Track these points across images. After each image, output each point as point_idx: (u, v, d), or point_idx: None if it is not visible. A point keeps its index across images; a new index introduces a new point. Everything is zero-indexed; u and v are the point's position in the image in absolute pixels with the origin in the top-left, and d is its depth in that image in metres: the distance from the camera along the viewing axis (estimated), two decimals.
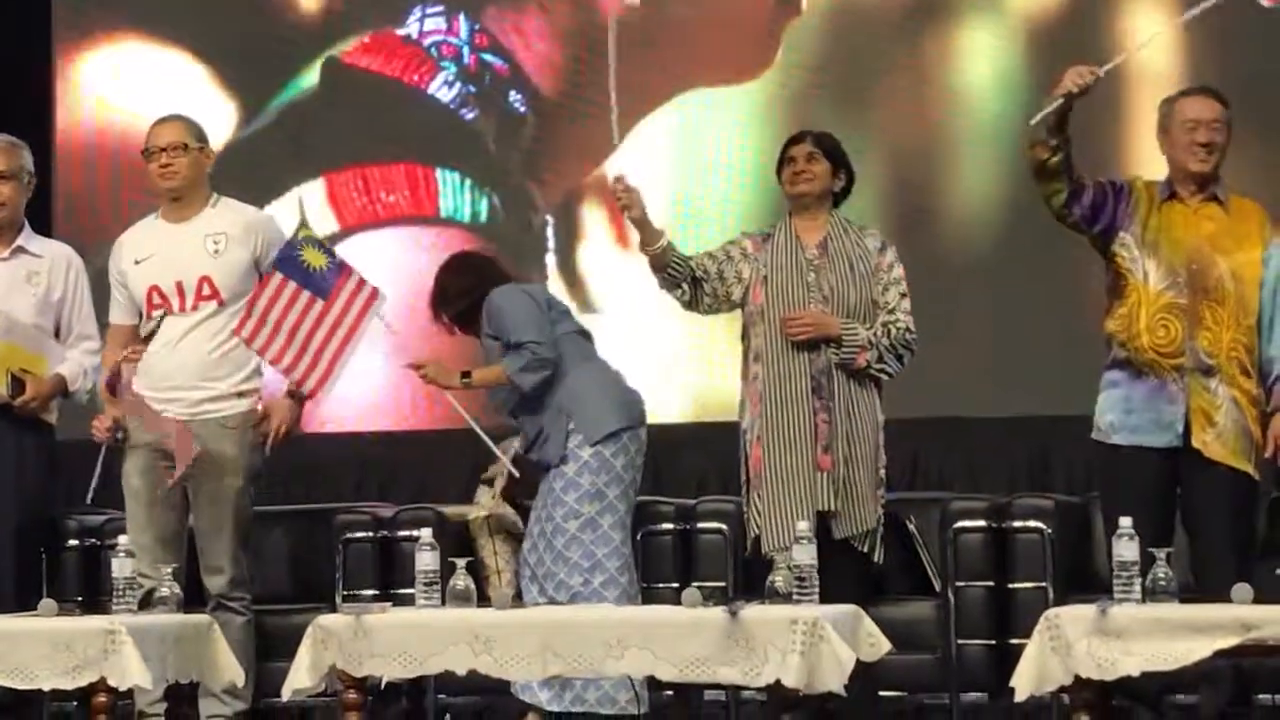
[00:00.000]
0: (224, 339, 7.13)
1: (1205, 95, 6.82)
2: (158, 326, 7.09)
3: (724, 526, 7.38)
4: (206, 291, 7.12)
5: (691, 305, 7.10)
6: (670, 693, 6.86)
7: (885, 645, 6.27)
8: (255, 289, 6.99)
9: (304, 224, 7.15)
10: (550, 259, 10.29)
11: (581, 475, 7.03)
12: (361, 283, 7.03)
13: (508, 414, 7.28)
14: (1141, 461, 6.53)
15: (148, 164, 7.26)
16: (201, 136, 7.39)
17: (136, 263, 7.20)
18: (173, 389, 7.06)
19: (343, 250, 7.88)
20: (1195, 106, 6.66)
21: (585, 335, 7.41)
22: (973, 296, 9.33)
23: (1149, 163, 6.97)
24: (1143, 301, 6.53)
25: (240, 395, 7.14)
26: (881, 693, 6.89)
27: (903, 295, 7.02)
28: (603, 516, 7.02)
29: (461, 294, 7.30)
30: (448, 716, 7.25)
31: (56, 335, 7.23)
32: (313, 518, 7.89)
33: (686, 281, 7.00)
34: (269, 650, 7.12)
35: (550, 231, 10.39)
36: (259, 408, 7.20)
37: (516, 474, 7.30)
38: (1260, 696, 6.75)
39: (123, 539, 6.75)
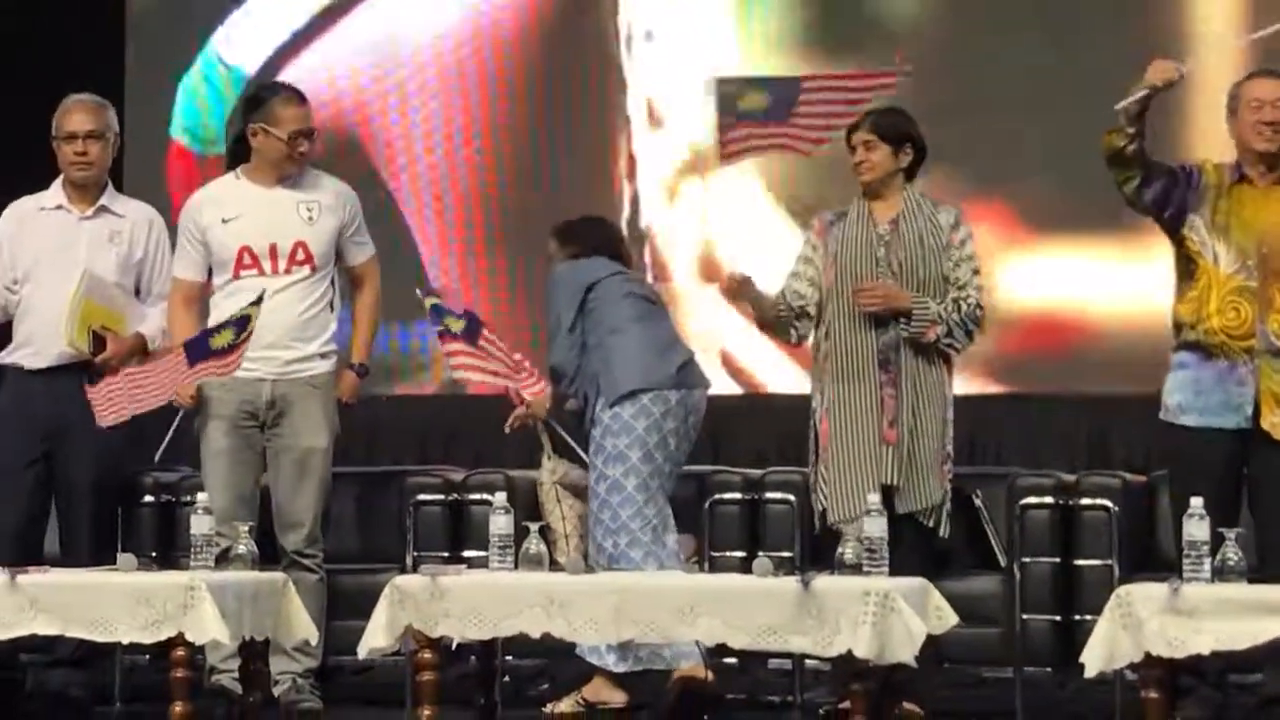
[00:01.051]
0: (311, 303, 7.18)
1: (1271, 76, 6.82)
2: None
3: (791, 497, 7.38)
4: (300, 256, 7.17)
5: (802, 340, 7.10)
6: (734, 660, 6.89)
7: (952, 618, 6.26)
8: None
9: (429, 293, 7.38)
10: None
11: (605, 438, 7.03)
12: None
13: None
14: (1210, 442, 6.52)
15: (270, 139, 7.25)
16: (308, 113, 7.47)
17: (224, 221, 7.21)
18: (266, 348, 7.07)
19: None
20: (1261, 87, 6.66)
21: (646, 297, 7.38)
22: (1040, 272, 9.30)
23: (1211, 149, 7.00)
24: (1213, 284, 6.52)
25: (323, 356, 7.18)
26: (946, 665, 6.89)
27: (975, 271, 6.99)
28: (627, 479, 6.98)
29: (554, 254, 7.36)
30: (506, 678, 7.21)
31: (137, 294, 7.24)
32: (383, 480, 7.92)
33: (793, 322, 7.01)
34: (337, 609, 7.14)
35: (626, 199, 10.31)
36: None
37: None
38: None
39: (200, 496, 6.78)
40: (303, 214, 7.24)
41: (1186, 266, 6.60)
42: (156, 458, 7.45)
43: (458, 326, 7.13)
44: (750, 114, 7.59)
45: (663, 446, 6.96)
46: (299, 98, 7.45)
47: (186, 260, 7.26)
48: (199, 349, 6.79)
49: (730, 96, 7.74)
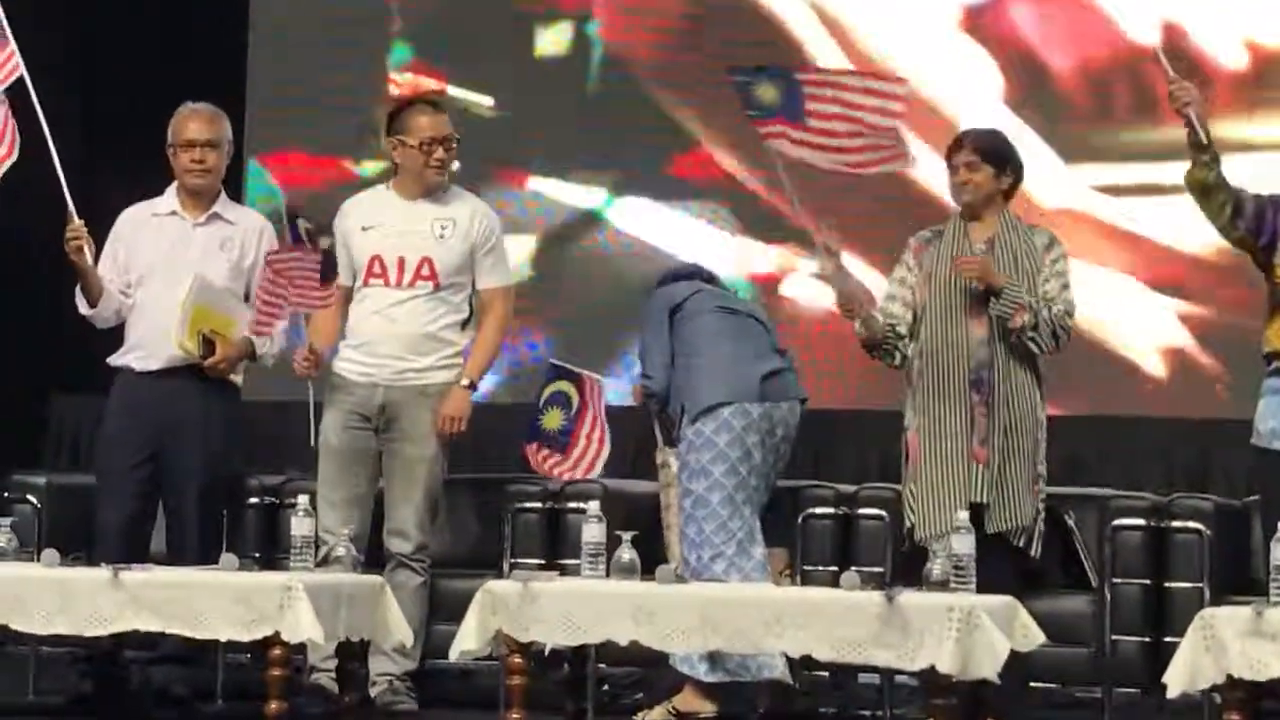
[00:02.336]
0: (433, 319, 7.24)
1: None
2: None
3: (884, 513, 7.34)
4: (425, 272, 7.21)
5: (905, 361, 7.04)
6: (825, 674, 6.88)
7: (1039, 637, 6.25)
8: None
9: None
10: None
11: (689, 453, 7.02)
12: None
13: None
14: None
15: (410, 150, 7.33)
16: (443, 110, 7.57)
17: (364, 229, 7.30)
18: (375, 354, 7.19)
19: None
20: None
21: (734, 310, 7.33)
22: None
23: None
24: None
25: (443, 369, 7.23)
26: (1033, 684, 6.85)
27: (1064, 286, 6.93)
28: (711, 493, 6.95)
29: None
30: (605, 685, 7.22)
31: (246, 299, 7.25)
32: (483, 487, 7.93)
33: (896, 345, 6.98)
34: (436, 612, 7.17)
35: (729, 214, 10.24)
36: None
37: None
38: None
39: (302, 499, 6.82)
40: (435, 230, 7.30)
41: (1278, 296, 6.55)
42: (311, 442, 7.46)
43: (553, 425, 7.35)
44: (768, 109, 7.40)
45: (747, 460, 6.93)
46: (432, 106, 7.52)
47: (342, 265, 7.35)
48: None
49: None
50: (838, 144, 7.03)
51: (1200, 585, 6.97)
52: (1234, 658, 5.75)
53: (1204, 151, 6.42)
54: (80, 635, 6.64)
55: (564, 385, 7.28)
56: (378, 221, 7.30)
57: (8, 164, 7.24)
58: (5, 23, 7.29)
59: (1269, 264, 6.52)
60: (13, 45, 7.29)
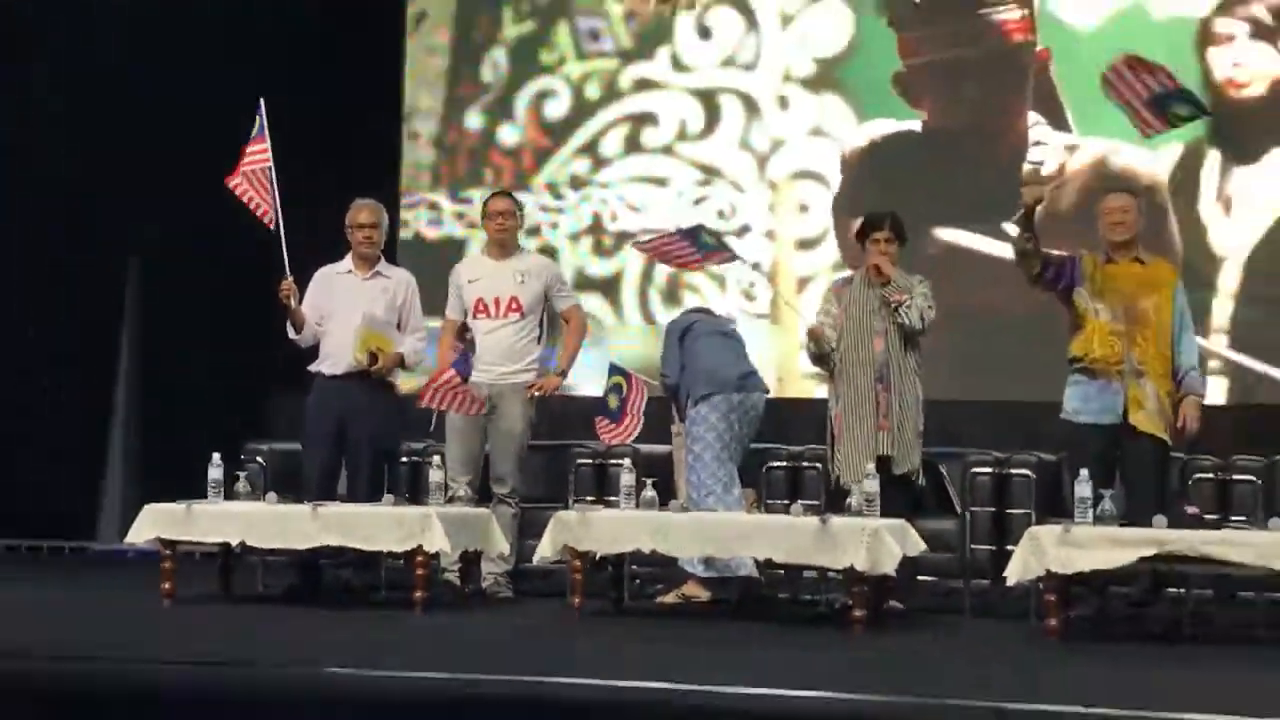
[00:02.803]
0: (520, 337, 7.18)
1: (1118, 192, 6.76)
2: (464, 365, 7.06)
3: (819, 466, 7.19)
4: (513, 307, 7.16)
5: (834, 367, 6.85)
6: (781, 571, 6.85)
7: (921, 545, 6.27)
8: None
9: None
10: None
11: (692, 426, 6.91)
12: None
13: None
14: (1094, 432, 6.40)
15: (488, 223, 7.34)
16: (521, 210, 7.48)
17: (470, 282, 7.26)
18: (486, 365, 7.10)
19: None
20: (1112, 201, 6.59)
21: (723, 334, 7.19)
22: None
23: None
24: (1096, 330, 6.42)
25: (527, 371, 7.16)
26: (919, 577, 6.77)
27: (929, 303, 6.69)
28: (705, 453, 6.82)
29: None
30: (638, 581, 7.14)
31: (399, 328, 7.20)
32: (555, 450, 7.78)
33: (830, 356, 6.79)
34: (524, 533, 7.07)
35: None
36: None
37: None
38: (1169, 590, 6.54)
39: (435, 459, 6.94)
40: (515, 279, 7.22)
41: (1076, 319, 6.51)
42: (431, 428, 7.35)
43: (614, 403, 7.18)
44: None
45: (730, 430, 6.87)
46: (498, 194, 7.53)
47: (453, 306, 7.29)
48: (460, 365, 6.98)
49: None
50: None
51: (1029, 511, 6.84)
52: (1050, 559, 5.82)
53: (1028, 231, 6.40)
54: (292, 549, 6.69)
55: (619, 379, 7.20)
56: (478, 276, 7.26)
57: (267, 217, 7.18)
58: (264, 120, 7.21)
59: (1069, 300, 6.52)
60: (267, 142, 7.20)
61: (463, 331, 7.31)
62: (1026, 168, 6.75)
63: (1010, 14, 8.76)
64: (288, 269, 7.09)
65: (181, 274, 9.54)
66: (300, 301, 7.16)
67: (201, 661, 4.70)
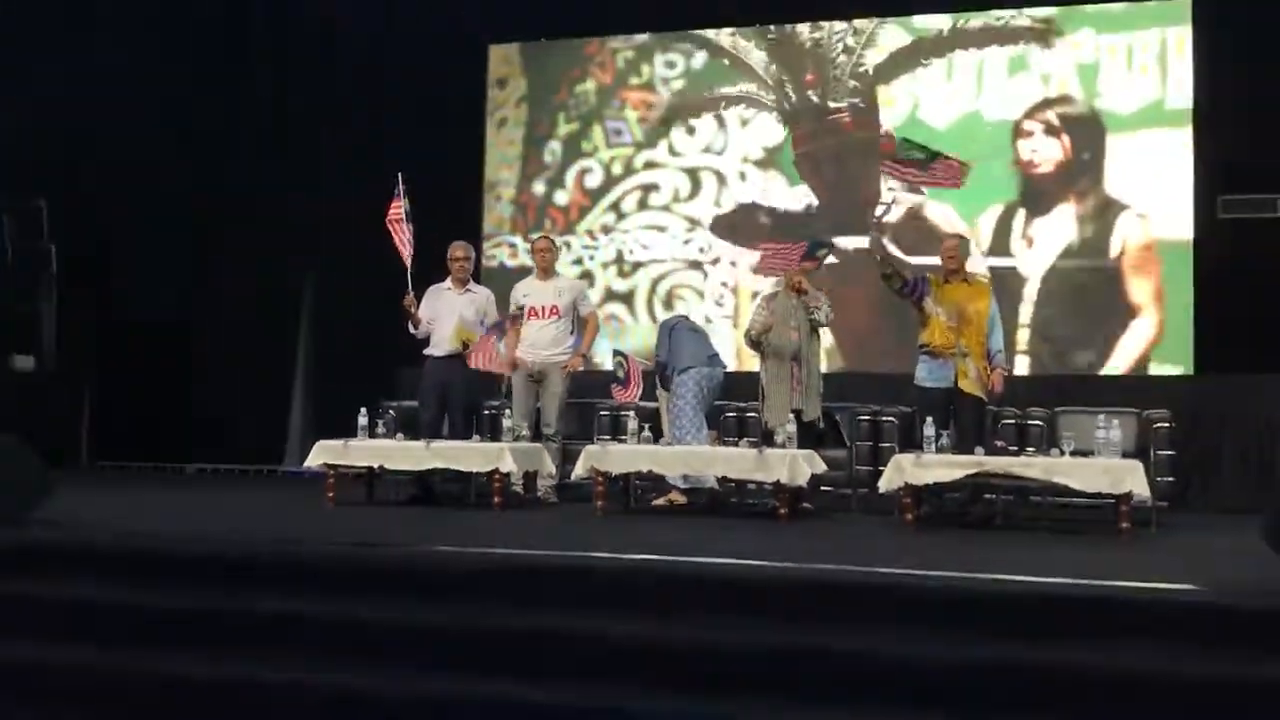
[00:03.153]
0: (559, 331, 7.11)
1: (951, 236, 6.77)
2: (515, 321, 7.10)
3: (756, 414, 7.04)
4: (554, 311, 7.11)
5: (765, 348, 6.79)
6: (733, 484, 6.83)
7: (823, 467, 6.27)
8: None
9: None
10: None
11: (676, 389, 6.82)
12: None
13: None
14: (936, 393, 6.40)
15: (535, 256, 7.29)
16: (556, 246, 7.36)
17: (525, 295, 7.21)
18: (534, 348, 7.05)
19: None
20: (948, 242, 6.61)
21: (695, 330, 7.14)
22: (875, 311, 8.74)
23: None
24: (937, 326, 6.42)
25: (564, 354, 7.07)
26: (821, 487, 6.79)
27: (830, 309, 6.74)
28: (685, 406, 6.79)
29: None
30: (639, 490, 6.95)
31: (481, 325, 7.11)
32: (584, 405, 7.75)
33: (760, 341, 6.76)
34: (566, 460, 6.95)
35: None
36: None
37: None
38: (987, 495, 6.48)
39: (507, 412, 6.90)
40: (555, 293, 7.16)
41: (924, 318, 6.47)
42: (503, 391, 7.26)
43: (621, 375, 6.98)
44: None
45: (700, 393, 6.84)
46: (541, 237, 7.44)
47: (513, 310, 7.22)
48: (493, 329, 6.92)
49: None
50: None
51: (894, 445, 6.92)
52: (908, 475, 5.81)
53: (889, 271, 6.41)
54: (412, 470, 6.66)
55: (620, 359, 7.03)
56: (529, 292, 7.18)
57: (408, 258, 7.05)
58: (402, 187, 7.04)
59: (919, 305, 6.48)
60: (403, 201, 7.02)
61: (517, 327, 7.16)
62: (873, 235, 6.66)
63: (846, 116, 8.80)
64: (410, 286, 7.06)
65: (343, 287, 9.57)
66: (418, 308, 7.11)
67: (357, 543, 4.69)
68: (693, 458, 6.34)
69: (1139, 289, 8.30)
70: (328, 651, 3.76)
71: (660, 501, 6.89)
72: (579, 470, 6.40)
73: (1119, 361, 8.28)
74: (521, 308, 7.22)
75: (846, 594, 3.78)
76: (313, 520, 5.92)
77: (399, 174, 7.16)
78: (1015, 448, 6.21)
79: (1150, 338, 8.26)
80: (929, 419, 6.07)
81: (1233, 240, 8.13)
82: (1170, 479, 6.60)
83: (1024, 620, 3.60)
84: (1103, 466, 5.62)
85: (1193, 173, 8.23)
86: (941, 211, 8.56)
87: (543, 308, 7.14)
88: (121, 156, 9.85)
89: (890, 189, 7.17)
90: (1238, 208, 8.20)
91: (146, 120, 10.01)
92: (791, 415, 6.44)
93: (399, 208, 7.13)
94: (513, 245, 9.67)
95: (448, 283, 7.24)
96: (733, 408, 7.53)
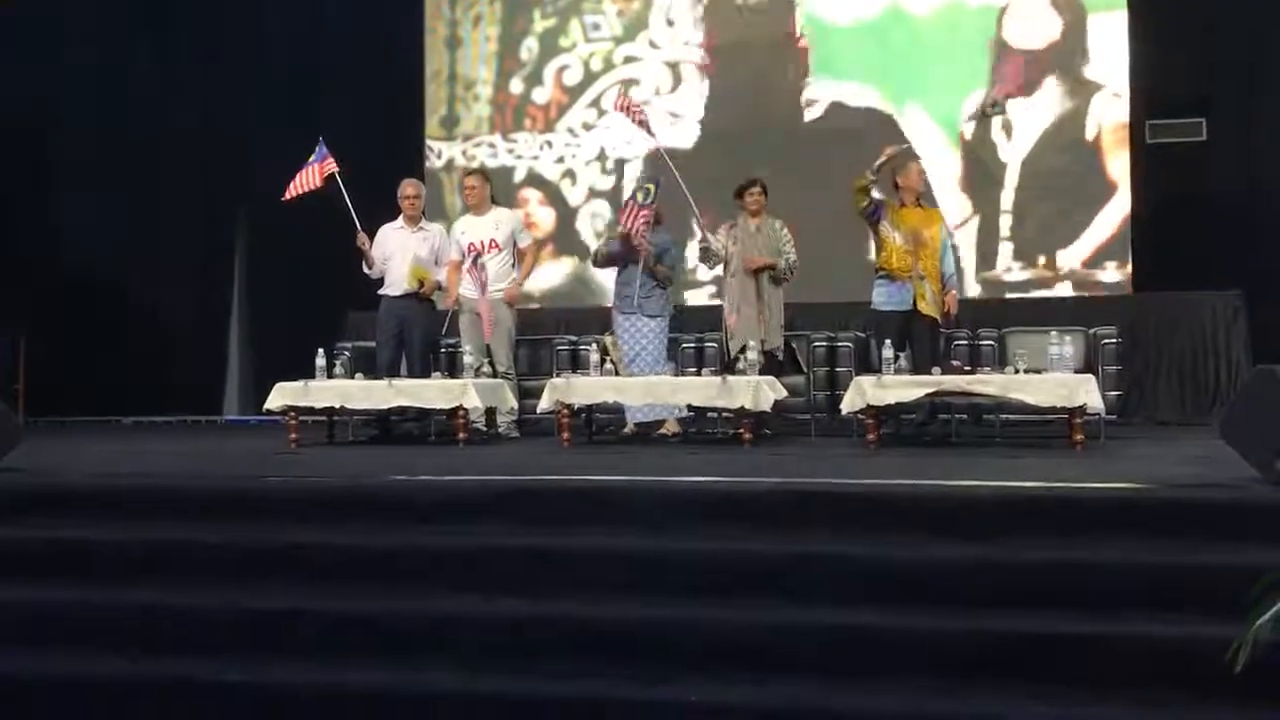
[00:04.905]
0: (501, 263, 7.12)
1: (916, 160, 6.92)
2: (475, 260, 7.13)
3: (716, 344, 7.31)
4: (491, 245, 7.14)
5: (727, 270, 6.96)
6: (693, 414, 7.04)
7: (784, 393, 6.42)
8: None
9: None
10: None
11: (649, 328, 6.98)
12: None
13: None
14: (894, 316, 6.57)
15: (465, 192, 7.31)
16: (487, 178, 7.34)
17: (462, 233, 7.23)
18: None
19: None
20: (914, 166, 6.78)
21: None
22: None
23: None
24: (894, 250, 6.60)
25: (504, 288, 7.14)
26: (784, 413, 6.94)
27: (792, 249, 6.96)
28: (656, 348, 6.97)
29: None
30: (593, 426, 7.01)
31: (436, 264, 7.21)
32: (543, 340, 7.89)
33: (726, 261, 6.92)
34: (526, 396, 7.11)
35: None
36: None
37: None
38: (941, 416, 6.84)
39: (465, 348, 6.96)
40: (490, 227, 7.18)
41: (881, 241, 6.63)
42: (444, 331, 7.37)
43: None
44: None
45: (664, 339, 7.05)
46: (470, 172, 7.43)
47: (455, 249, 7.24)
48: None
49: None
50: None
51: (851, 369, 7.05)
52: (868, 395, 5.95)
53: (876, 175, 6.49)
54: (374, 409, 6.75)
55: (652, 186, 6.85)
56: (466, 229, 7.21)
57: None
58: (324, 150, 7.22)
59: (876, 228, 6.63)
60: (331, 161, 7.21)
61: (459, 267, 7.18)
62: (908, 145, 6.78)
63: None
64: (358, 226, 7.12)
65: (281, 229, 9.51)
66: (370, 247, 7.17)
67: (325, 477, 4.77)
68: (658, 387, 6.47)
69: (1114, 169, 8.54)
70: (331, 579, 3.93)
71: (625, 433, 7.04)
72: (544, 404, 6.48)
73: (1084, 249, 8.56)
74: (461, 247, 7.21)
75: (828, 504, 4.00)
76: (281, 460, 5.93)
77: (319, 138, 7.20)
78: (970, 368, 6.46)
79: (1118, 224, 8.50)
80: (887, 341, 6.26)
81: (1163, 163, 8.47)
82: (1116, 393, 6.96)
83: (991, 523, 3.85)
84: (1058, 381, 5.88)
85: (1128, 97, 8.57)
86: (918, 120, 8.71)
87: (481, 243, 7.13)
88: (49, 110, 9.77)
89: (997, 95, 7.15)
90: (1164, 132, 8.58)
91: (74, 67, 9.92)
92: (754, 345, 6.57)
93: (331, 164, 7.15)
94: (492, 145, 9.65)
95: (399, 221, 7.28)
96: (687, 339, 7.68)
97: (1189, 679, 3.18)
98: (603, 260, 7.17)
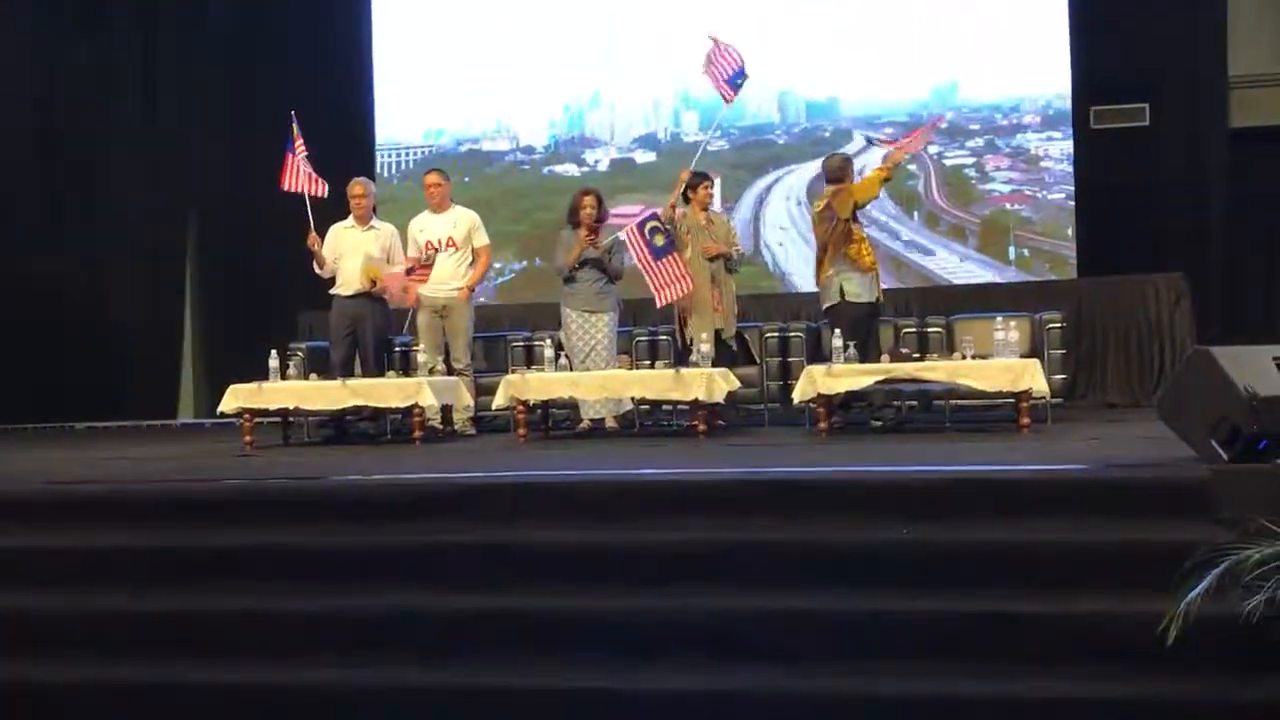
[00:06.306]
0: (457, 263, 7.12)
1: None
2: (431, 259, 7.15)
3: (669, 338, 7.41)
4: (449, 243, 7.16)
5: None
6: (646, 406, 7.12)
7: (737, 384, 6.52)
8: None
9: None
10: None
11: (607, 324, 7.01)
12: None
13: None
14: (863, 308, 6.61)
15: (424, 189, 7.30)
16: (447, 177, 7.33)
17: (420, 230, 7.23)
18: (435, 282, 7.10)
19: None
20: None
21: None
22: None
23: None
24: (864, 243, 6.62)
25: (461, 288, 7.16)
26: (738, 405, 7.09)
27: (739, 246, 7.10)
28: (612, 340, 7.02)
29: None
30: (549, 421, 7.06)
31: (388, 262, 7.17)
32: (497, 338, 7.93)
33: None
34: (481, 392, 7.12)
35: None
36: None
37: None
38: (894, 402, 6.92)
39: (420, 347, 6.98)
40: (449, 225, 7.19)
41: (855, 236, 6.57)
42: (405, 329, 7.39)
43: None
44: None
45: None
46: (429, 171, 7.38)
47: (412, 247, 7.24)
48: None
49: None
50: None
51: (802, 359, 7.16)
52: (820, 384, 6.04)
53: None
54: (329, 410, 6.75)
55: (658, 225, 6.69)
56: (425, 227, 7.19)
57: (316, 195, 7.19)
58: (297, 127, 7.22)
59: (847, 225, 6.55)
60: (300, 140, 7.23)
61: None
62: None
63: None
64: (313, 226, 7.10)
65: (231, 232, 9.55)
66: (321, 246, 7.15)
67: (282, 478, 4.79)
68: (612, 381, 6.51)
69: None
70: (289, 578, 3.99)
71: (583, 427, 7.02)
72: (499, 400, 6.51)
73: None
74: (419, 244, 7.21)
75: (784, 491, 4.09)
76: (238, 462, 5.91)
77: (292, 112, 7.16)
78: (918, 355, 6.56)
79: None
80: (837, 329, 6.34)
81: (1106, 148, 8.66)
82: (1062, 377, 7.13)
83: (941, 504, 3.97)
84: (1003, 366, 6.01)
85: (1070, 83, 8.75)
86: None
87: (440, 240, 7.17)
88: None
89: None
90: (1109, 118, 8.77)
91: (8, 66, 9.82)
92: (708, 337, 6.67)
93: (302, 146, 7.17)
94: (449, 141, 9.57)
95: (349, 220, 7.28)
96: (640, 331, 7.77)
97: (1127, 653, 3.31)
98: (571, 271, 7.11)
